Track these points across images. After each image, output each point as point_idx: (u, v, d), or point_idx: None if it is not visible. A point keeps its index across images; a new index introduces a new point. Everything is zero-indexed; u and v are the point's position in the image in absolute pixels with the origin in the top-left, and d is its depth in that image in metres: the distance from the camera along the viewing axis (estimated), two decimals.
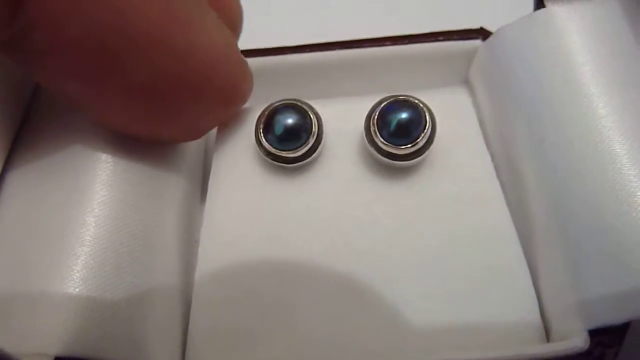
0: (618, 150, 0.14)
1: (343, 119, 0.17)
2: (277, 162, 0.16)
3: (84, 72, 0.12)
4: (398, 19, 0.26)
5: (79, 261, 0.13)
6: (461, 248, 0.15)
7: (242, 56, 0.16)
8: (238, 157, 0.17)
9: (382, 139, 0.15)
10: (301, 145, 0.15)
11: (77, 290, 0.12)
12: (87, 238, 0.13)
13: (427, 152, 0.15)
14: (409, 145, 0.15)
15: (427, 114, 0.15)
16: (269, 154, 0.15)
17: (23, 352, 0.11)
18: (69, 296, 0.12)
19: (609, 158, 0.14)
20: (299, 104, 0.15)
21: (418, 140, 0.15)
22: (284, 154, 0.15)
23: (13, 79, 0.15)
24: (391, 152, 0.15)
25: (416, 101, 0.15)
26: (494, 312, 0.14)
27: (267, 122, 0.15)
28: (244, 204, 0.16)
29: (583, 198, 0.14)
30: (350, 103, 0.17)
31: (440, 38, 0.19)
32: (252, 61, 0.17)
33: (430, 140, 0.15)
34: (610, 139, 0.14)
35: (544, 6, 0.16)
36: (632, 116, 0.14)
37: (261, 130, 0.15)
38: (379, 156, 0.15)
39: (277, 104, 0.15)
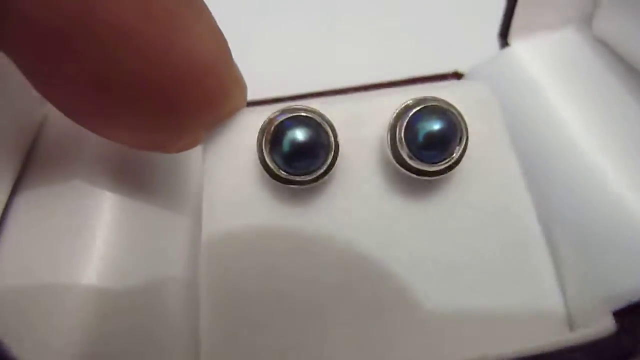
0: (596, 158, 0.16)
1: (355, 123, 0.14)
2: (287, 184, 0.13)
3: (43, 53, 0.12)
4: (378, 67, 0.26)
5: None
6: (491, 261, 0.14)
7: (235, 65, 0.14)
8: (235, 177, 0.14)
9: (409, 155, 0.13)
10: (316, 168, 0.13)
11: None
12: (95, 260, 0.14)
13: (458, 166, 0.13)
14: (441, 162, 0.13)
15: (462, 123, 0.13)
16: (277, 177, 0.13)
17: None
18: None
19: (589, 166, 0.16)
20: (309, 115, 0.13)
21: (453, 155, 0.13)
22: (296, 178, 0.13)
23: (20, 110, 0.15)
24: (420, 170, 0.13)
25: (448, 107, 0.13)
26: (524, 320, 0.14)
27: (274, 137, 0.13)
28: (247, 232, 0.14)
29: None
30: (362, 102, 0.15)
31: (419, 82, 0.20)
32: None
33: (463, 153, 0.13)
34: (585, 150, 0.16)
35: (508, 45, 0.19)
36: (597, 122, 0.16)
37: (266, 148, 0.13)
38: (404, 170, 0.13)
39: (283, 116, 0.13)
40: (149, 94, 0.12)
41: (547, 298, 0.14)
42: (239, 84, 0.14)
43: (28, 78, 0.13)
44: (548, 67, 0.18)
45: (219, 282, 0.13)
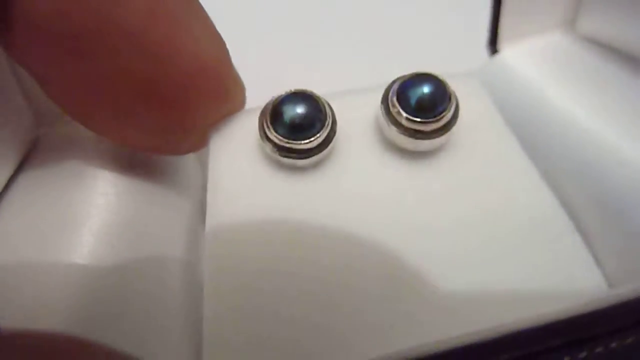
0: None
1: (352, 110, 0.15)
2: (288, 157, 0.14)
3: (48, 51, 0.12)
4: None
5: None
6: (508, 222, 0.14)
7: (234, 68, 0.15)
8: (239, 162, 0.15)
9: (406, 116, 0.13)
10: (315, 135, 0.13)
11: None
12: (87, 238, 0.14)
13: (452, 130, 0.14)
14: (435, 119, 0.13)
15: (449, 87, 0.14)
16: (278, 147, 0.14)
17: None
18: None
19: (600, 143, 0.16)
20: (307, 91, 0.14)
21: (444, 113, 0.13)
22: (296, 145, 0.13)
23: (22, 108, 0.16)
24: (417, 130, 0.13)
25: (435, 75, 0.14)
26: (551, 276, 0.13)
27: (274, 113, 0.13)
28: (252, 217, 0.14)
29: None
30: (358, 95, 0.16)
31: None
32: None
33: (455, 115, 0.14)
34: (592, 129, 0.16)
35: (497, 51, 0.20)
36: (598, 106, 0.16)
37: (268, 123, 0.14)
38: (402, 138, 0.14)
39: (283, 94, 0.14)
40: (153, 95, 0.13)
41: (582, 270, 0.13)
42: (238, 84, 0.15)
43: (39, 83, 0.13)
44: (541, 67, 0.19)
45: (224, 269, 0.13)
